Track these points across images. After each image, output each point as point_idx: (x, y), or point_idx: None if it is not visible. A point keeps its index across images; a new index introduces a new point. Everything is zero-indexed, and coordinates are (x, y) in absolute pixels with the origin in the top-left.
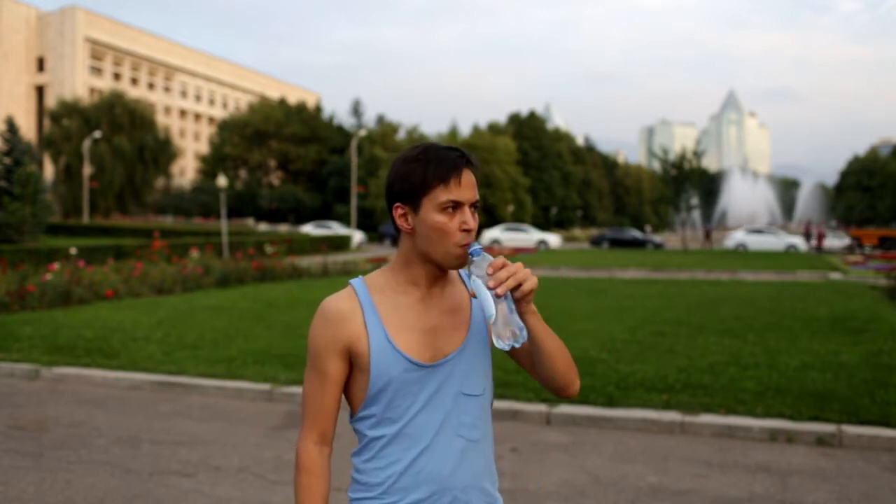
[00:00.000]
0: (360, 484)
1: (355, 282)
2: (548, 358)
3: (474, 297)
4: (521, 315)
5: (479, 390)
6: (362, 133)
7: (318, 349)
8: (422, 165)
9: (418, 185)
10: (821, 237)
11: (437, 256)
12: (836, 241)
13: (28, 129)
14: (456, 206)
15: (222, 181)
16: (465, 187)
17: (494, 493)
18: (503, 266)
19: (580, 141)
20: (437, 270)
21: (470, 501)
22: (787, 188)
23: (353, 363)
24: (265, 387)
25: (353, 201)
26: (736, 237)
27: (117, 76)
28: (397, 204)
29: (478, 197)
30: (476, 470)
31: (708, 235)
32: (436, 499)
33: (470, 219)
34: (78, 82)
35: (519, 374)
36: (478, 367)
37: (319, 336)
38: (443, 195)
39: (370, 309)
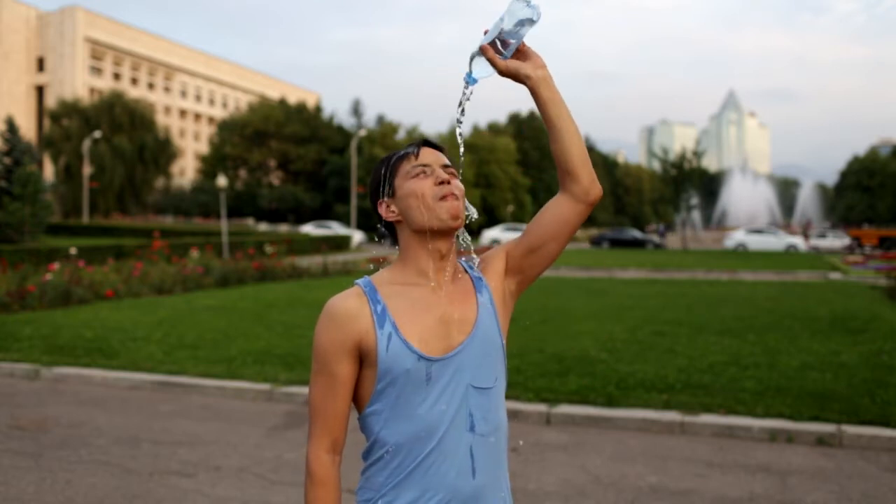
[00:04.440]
0: (368, 482)
1: (361, 280)
2: (562, 131)
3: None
4: (535, 69)
5: (490, 383)
6: (362, 133)
7: (326, 352)
8: (386, 160)
9: (387, 174)
10: (793, 232)
11: (429, 220)
12: (836, 240)
13: (28, 129)
14: (424, 168)
15: (222, 181)
16: (429, 154)
17: (504, 489)
18: None
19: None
20: (440, 252)
21: (479, 498)
22: (787, 188)
23: (363, 360)
24: (265, 387)
25: (353, 201)
26: (736, 237)
27: (117, 76)
28: (379, 201)
29: (448, 163)
30: (485, 466)
31: (661, 237)
32: (446, 498)
33: (442, 173)
34: (78, 82)
35: (519, 374)
36: (488, 358)
37: (327, 338)
38: (408, 166)
39: (378, 304)
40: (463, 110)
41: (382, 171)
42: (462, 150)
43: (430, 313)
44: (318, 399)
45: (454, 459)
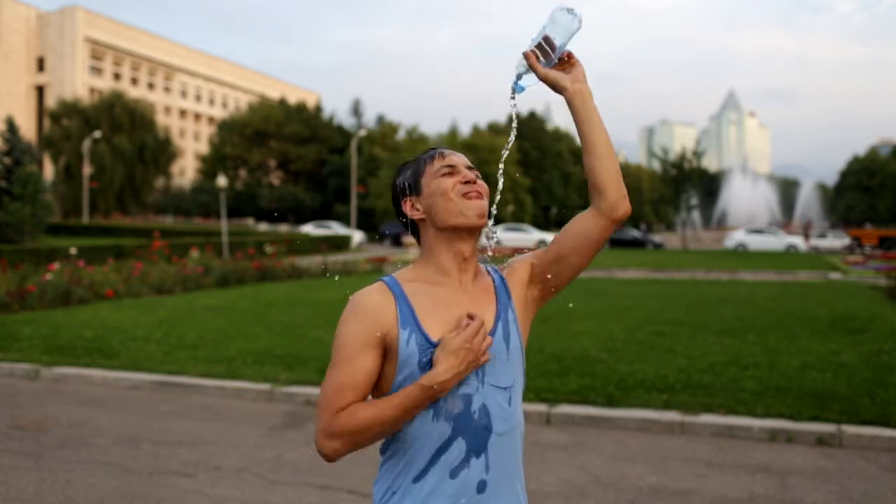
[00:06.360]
0: (385, 474)
1: (385, 277)
2: (593, 145)
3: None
4: (573, 82)
5: (508, 382)
6: (362, 133)
7: (351, 344)
8: (411, 163)
9: (414, 174)
10: (791, 232)
11: (453, 219)
12: (836, 240)
13: (28, 129)
14: (452, 168)
15: (222, 181)
16: (453, 156)
17: (518, 487)
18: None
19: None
20: (462, 250)
21: (492, 495)
22: (787, 188)
23: (385, 354)
24: (265, 387)
25: (353, 201)
26: (736, 237)
27: (117, 76)
28: (404, 199)
29: (472, 165)
30: (500, 463)
31: (643, 235)
32: (460, 492)
33: (468, 173)
34: (78, 82)
35: None
36: (507, 358)
37: (353, 330)
38: (436, 165)
39: (402, 299)
40: (513, 117)
41: (408, 172)
42: (504, 161)
43: (451, 311)
44: (334, 390)
45: (470, 455)
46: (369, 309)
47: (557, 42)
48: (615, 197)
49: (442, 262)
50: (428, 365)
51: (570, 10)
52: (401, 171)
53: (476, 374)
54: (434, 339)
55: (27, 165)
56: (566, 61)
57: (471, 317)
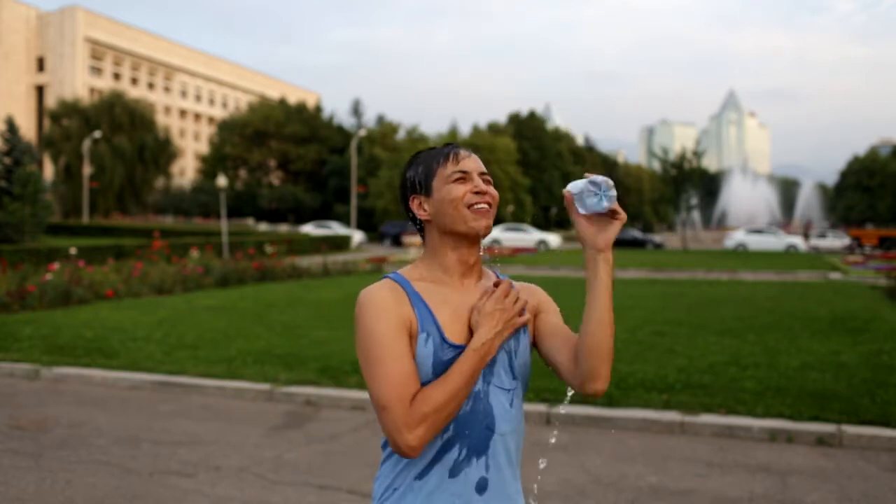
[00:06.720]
0: (387, 471)
1: (390, 275)
2: (587, 317)
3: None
4: (591, 247)
5: (511, 384)
6: (362, 133)
7: (386, 337)
8: (424, 158)
9: (425, 172)
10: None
11: (458, 226)
12: (836, 240)
13: (28, 129)
14: (464, 175)
15: (222, 181)
16: (467, 160)
17: (517, 488)
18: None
19: (580, 141)
20: (467, 255)
21: (492, 497)
22: (787, 188)
23: None
24: (265, 387)
25: (353, 201)
26: (736, 237)
27: (117, 76)
28: (412, 196)
29: (485, 170)
30: (500, 463)
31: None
32: (460, 491)
33: (480, 183)
34: (78, 82)
35: None
36: (512, 359)
37: (381, 324)
38: (449, 168)
39: (417, 298)
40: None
41: (420, 170)
42: None
43: (460, 307)
44: (399, 384)
45: (471, 454)
46: (388, 302)
47: (592, 201)
48: (585, 375)
49: (445, 262)
50: (440, 365)
51: (603, 194)
52: (413, 163)
53: (481, 375)
54: (447, 337)
55: (27, 165)
56: (612, 215)
57: (496, 284)
